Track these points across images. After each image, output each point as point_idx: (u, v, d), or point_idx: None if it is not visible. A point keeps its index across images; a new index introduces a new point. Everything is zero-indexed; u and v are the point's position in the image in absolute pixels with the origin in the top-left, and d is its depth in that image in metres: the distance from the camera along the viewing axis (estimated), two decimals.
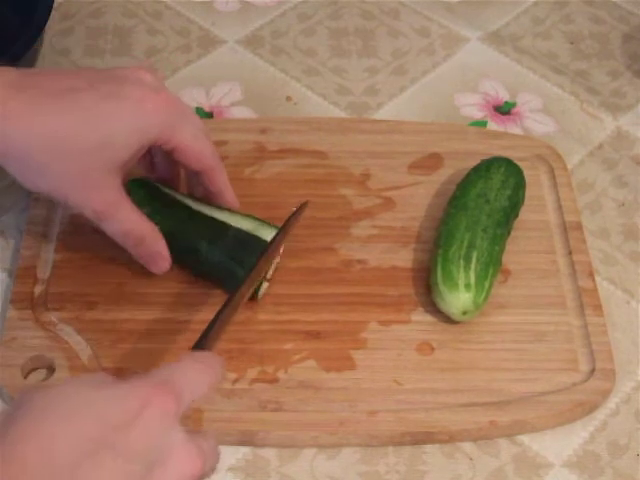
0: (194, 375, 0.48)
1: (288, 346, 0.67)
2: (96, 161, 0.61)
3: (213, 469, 0.48)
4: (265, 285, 0.68)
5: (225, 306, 0.57)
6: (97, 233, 0.71)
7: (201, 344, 0.54)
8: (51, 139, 0.59)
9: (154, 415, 0.44)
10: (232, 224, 0.68)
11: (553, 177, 0.78)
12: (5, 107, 0.58)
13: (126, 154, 0.62)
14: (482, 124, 0.84)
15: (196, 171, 0.67)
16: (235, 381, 0.65)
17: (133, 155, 0.62)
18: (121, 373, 0.65)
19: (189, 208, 0.69)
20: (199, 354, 0.52)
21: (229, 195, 0.69)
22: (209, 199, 0.70)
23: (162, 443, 0.44)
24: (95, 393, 0.45)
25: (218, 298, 0.68)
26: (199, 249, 0.67)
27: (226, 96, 0.86)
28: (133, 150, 0.62)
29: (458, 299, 0.66)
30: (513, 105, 0.86)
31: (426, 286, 0.70)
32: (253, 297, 0.68)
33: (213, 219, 0.68)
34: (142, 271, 0.69)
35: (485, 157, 0.75)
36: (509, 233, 0.72)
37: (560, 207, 0.76)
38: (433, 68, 0.89)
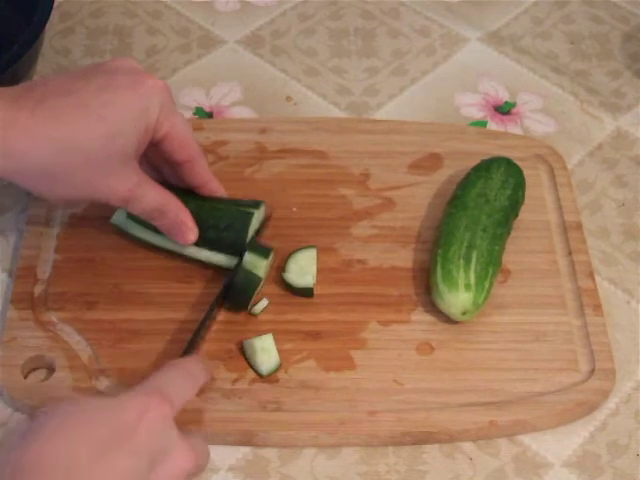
0: (179, 382, 0.55)
1: (288, 346, 0.67)
2: (111, 153, 0.61)
3: (205, 465, 0.54)
4: (265, 303, 0.69)
5: (207, 314, 0.66)
6: (97, 233, 0.71)
7: (186, 351, 0.63)
8: (63, 147, 0.60)
9: (155, 418, 0.50)
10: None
11: (553, 177, 0.78)
12: (13, 127, 0.58)
13: (135, 139, 0.62)
14: (482, 124, 0.84)
15: (181, 162, 0.67)
16: (235, 381, 0.65)
17: (142, 139, 0.63)
18: (121, 373, 0.65)
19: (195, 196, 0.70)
20: (179, 361, 0.58)
21: (214, 184, 0.69)
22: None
23: (162, 442, 0.50)
24: (102, 403, 0.51)
25: None
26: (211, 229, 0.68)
27: (226, 96, 0.86)
28: (141, 133, 0.62)
29: (458, 299, 0.66)
30: (513, 105, 0.86)
31: (426, 286, 0.70)
32: (251, 313, 0.68)
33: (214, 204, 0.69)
34: (142, 271, 0.69)
35: (485, 157, 0.76)
36: (509, 233, 0.72)
37: (560, 207, 0.76)
38: (433, 68, 0.89)
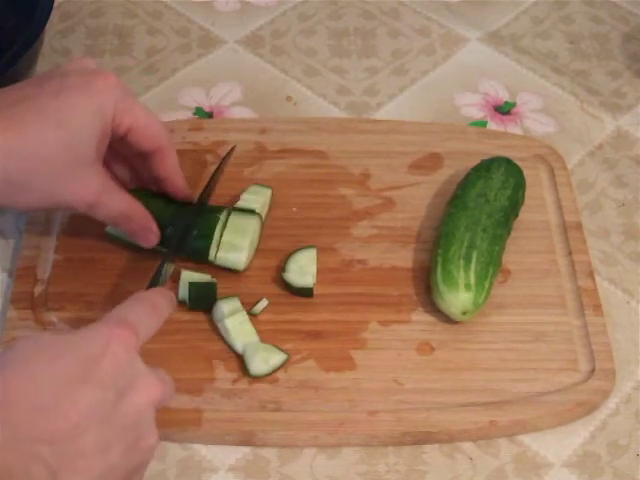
0: (144, 313, 0.55)
1: (288, 346, 0.67)
2: (71, 157, 0.61)
3: (171, 396, 0.54)
4: (265, 303, 0.69)
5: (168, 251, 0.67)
6: (97, 233, 0.71)
7: (152, 284, 0.63)
8: (22, 156, 0.60)
9: (119, 348, 0.50)
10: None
11: (553, 177, 0.78)
12: None
13: (94, 140, 0.62)
14: (482, 124, 0.84)
15: (150, 151, 0.67)
16: (235, 381, 0.65)
17: (101, 139, 0.63)
18: None
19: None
20: (143, 294, 0.57)
21: (179, 180, 0.69)
22: (161, 188, 0.70)
23: (128, 372, 0.50)
24: (66, 336, 0.50)
25: None
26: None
27: (226, 96, 0.86)
28: (99, 134, 0.62)
29: (458, 299, 0.66)
30: (513, 105, 0.86)
31: (426, 286, 0.70)
32: (251, 313, 0.68)
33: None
34: (142, 271, 0.69)
35: (485, 157, 0.76)
36: (509, 233, 0.72)
37: (560, 207, 0.76)
38: (433, 68, 0.89)
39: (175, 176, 0.69)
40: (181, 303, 0.68)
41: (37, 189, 0.62)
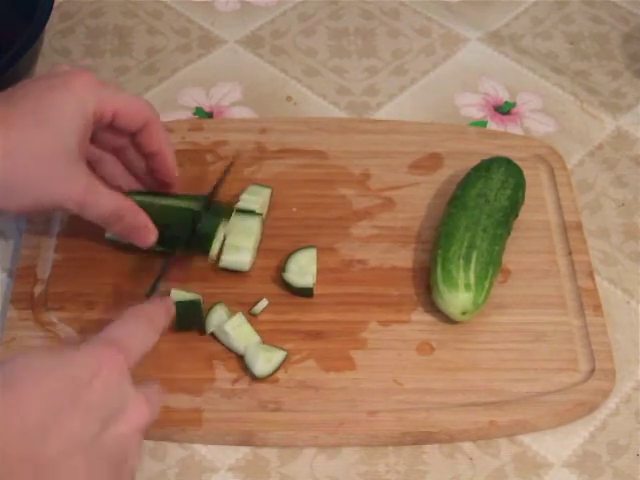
0: (138, 330, 0.53)
1: (288, 346, 0.67)
2: (55, 154, 0.62)
3: (157, 413, 0.52)
4: (265, 303, 0.69)
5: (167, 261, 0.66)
6: (97, 233, 0.71)
7: (151, 292, 0.62)
8: (8, 156, 0.60)
9: (110, 371, 0.49)
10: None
11: (553, 177, 0.78)
12: None
13: (76, 135, 0.63)
14: (482, 124, 0.84)
15: (140, 128, 0.67)
16: (235, 381, 0.65)
17: (83, 134, 0.64)
18: None
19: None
20: (139, 308, 0.56)
21: (170, 153, 0.69)
22: (152, 169, 0.70)
23: (119, 395, 0.49)
24: (55, 359, 0.49)
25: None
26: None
27: (226, 96, 0.86)
28: (81, 130, 0.63)
29: (458, 299, 0.66)
30: (513, 105, 0.86)
31: (426, 286, 0.70)
32: (251, 313, 0.68)
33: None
34: (142, 271, 0.69)
35: (485, 157, 0.75)
36: (509, 233, 0.72)
37: (560, 207, 0.76)
38: (433, 68, 0.89)
39: (166, 148, 0.69)
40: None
41: (23, 190, 0.62)
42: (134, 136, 0.68)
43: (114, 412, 0.49)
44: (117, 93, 0.66)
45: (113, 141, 0.69)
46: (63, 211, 0.65)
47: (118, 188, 0.70)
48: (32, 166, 0.61)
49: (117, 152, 0.71)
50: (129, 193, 0.70)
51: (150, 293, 0.63)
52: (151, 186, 0.72)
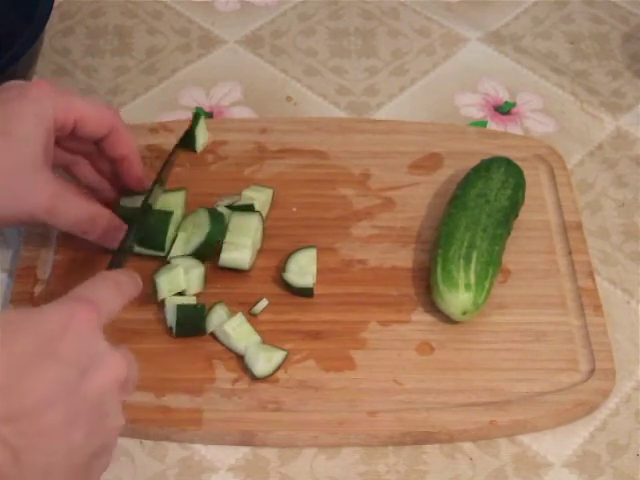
0: (107, 291, 0.53)
1: (288, 346, 0.67)
2: (20, 163, 0.63)
3: (135, 379, 0.52)
4: (264, 303, 0.69)
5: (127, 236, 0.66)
6: None
7: (113, 264, 0.62)
8: None
9: (81, 324, 0.48)
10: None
11: (553, 177, 0.78)
12: None
13: (39, 142, 0.63)
14: (482, 124, 0.84)
15: (104, 137, 0.67)
16: (235, 381, 0.65)
17: (46, 142, 0.64)
18: None
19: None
20: (109, 273, 0.57)
21: (137, 158, 0.69)
22: (119, 175, 0.70)
23: (91, 350, 0.49)
24: (27, 313, 0.49)
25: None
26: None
27: (226, 96, 0.86)
28: (43, 138, 0.63)
29: (458, 299, 0.66)
30: (513, 105, 0.86)
31: (426, 286, 0.70)
32: (251, 313, 0.68)
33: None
34: (141, 271, 0.69)
35: (485, 157, 0.76)
36: (509, 233, 0.72)
37: (560, 207, 0.76)
38: (433, 68, 0.89)
39: (133, 154, 0.69)
40: (169, 330, 0.67)
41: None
42: (99, 143, 0.68)
43: (90, 363, 0.48)
44: (76, 101, 0.66)
45: (79, 148, 0.69)
46: (38, 223, 0.65)
47: (95, 189, 0.71)
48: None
49: (87, 156, 0.71)
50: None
51: (111, 266, 0.62)
52: (121, 188, 0.72)
